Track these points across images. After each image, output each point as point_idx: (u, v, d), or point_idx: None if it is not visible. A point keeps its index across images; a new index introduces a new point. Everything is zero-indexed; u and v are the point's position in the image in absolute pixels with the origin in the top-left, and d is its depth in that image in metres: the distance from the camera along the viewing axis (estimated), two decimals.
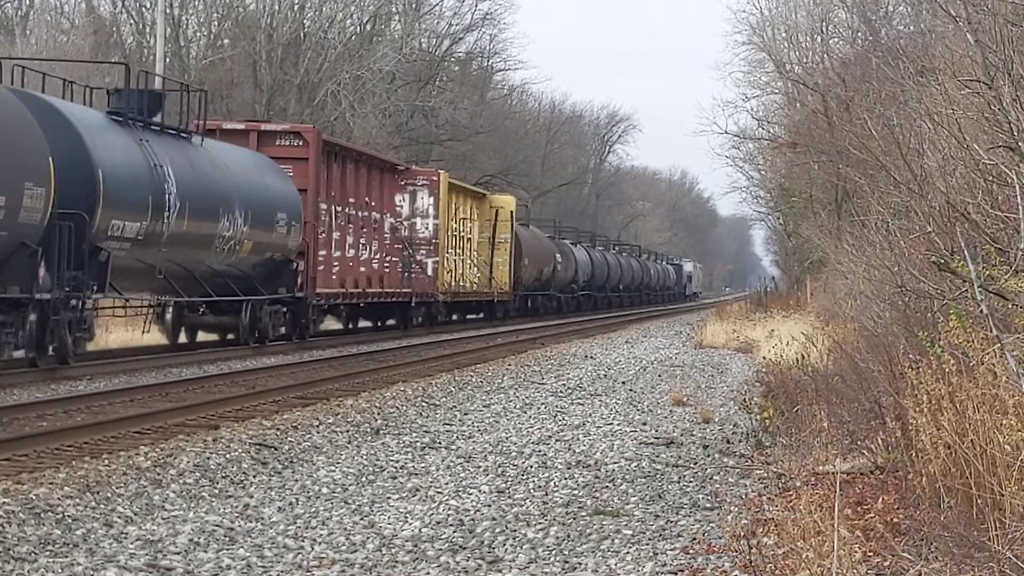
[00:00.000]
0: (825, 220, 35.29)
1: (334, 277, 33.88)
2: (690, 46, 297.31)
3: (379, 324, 40.70)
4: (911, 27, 36.29)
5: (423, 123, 68.46)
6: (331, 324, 38.75)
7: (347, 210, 34.99)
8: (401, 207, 40.80)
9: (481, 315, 51.13)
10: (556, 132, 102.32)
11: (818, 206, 42.54)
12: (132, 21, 60.86)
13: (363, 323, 40.15)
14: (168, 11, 55.06)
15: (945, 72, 13.96)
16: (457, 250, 45.90)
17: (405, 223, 41.01)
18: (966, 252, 9.61)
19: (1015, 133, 10.92)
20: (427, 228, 41.72)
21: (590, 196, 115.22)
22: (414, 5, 68.06)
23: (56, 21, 57.26)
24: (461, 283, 45.86)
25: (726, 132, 53.39)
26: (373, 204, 37.42)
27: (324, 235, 32.99)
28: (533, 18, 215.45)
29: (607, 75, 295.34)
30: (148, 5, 58.88)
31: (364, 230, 36.50)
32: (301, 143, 32.35)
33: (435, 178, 42.67)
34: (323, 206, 32.94)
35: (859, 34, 44.64)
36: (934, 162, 14.02)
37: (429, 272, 41.44)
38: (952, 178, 13.10)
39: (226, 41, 60.86)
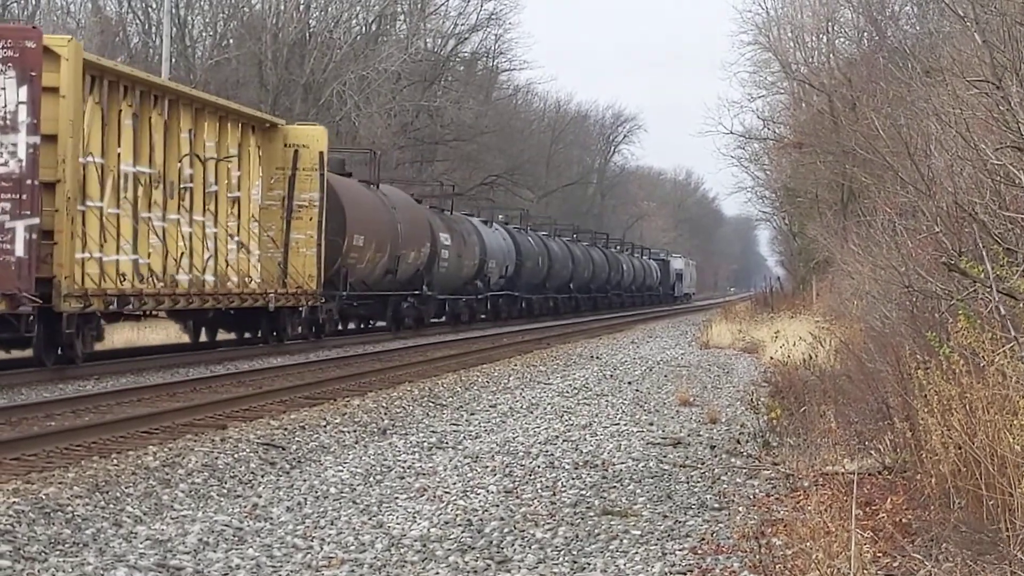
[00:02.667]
0: (831, 220, 35.24)
1: None
2: (696, 46, 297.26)
3: None
4: (918, 27, 36.30)
5: (428, 123, 68.48)
6: None
7: None
8: None
9: (251, 335, 30.49)
10: (561, 132, 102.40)
11: (824, 206, 42.50)
12: (138, 21, 60.92)
13: None
14: (174, 11, 55.10)
15: (952, 72, 13.97)
16: (185, 210, 25.32)
17: None
18: (984, 252, 9.61)
19: (1023, 133, 10.92)
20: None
21: (595, 196, 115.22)
22: (419, 5, 68.05)
23: (62, 21, 57.27)
24: (200, 274, 25.84)
25: (732, 132, 53.49)
26: None
27: None
28: (538, 18, 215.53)
29: (612, 75, 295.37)
30: (154, 5, 58.90)
31: None
32: None
33: (30, 43, 19.63)
34: None
35: (865, 34, 44.64)
36: (941, 162, 14.01)
37: (17, 248, 19.42)
38: (960, 178, 13.09)
39: (231, 41, 60.87)
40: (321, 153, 30.28)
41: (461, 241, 45.85)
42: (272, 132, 29.83)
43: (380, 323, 39.95)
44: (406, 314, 39.49)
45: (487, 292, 49.82)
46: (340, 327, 36.92)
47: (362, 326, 40.22)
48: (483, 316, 50.83)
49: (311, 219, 30.02)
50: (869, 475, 11.16)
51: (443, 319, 45.56)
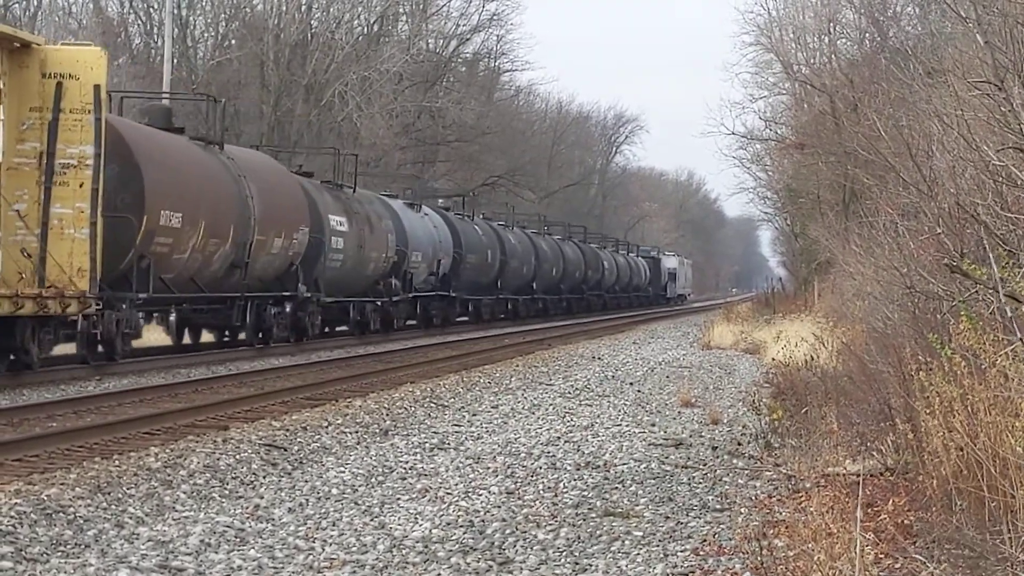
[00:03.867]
0: (833, 221, 35.23)
1: None
2: (697, 47, 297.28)
3: None
4: (919, 28, 36.30)
5: (430, 124, 68.51)
6: None
7: None
8: None
9: None
10: (563, 133, 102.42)
11: (826, 207, 42.49)
12: (140, 22, 60.96)
13: None
14: (176, 12, 55.11)
15: (954, 73, 13.96)
16: None
17: None
18: (990, 254, 9.60)
19: None
20: None
21: (597, 197, 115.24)
22: (421, 6, 68.08)
23: (64, 21, 57.32)
24: None
25: (733, 133, 53.46)
26: None
27: None
28: (540, 19, 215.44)
29: (614, 76, 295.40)
30: (156, 6, 58.93)
31: None
32: None
33: None
34: None
35: (867, 35, 44.63)
36: (943, 163, 14.01)
37: None
38: (961, 179, 13.09)
39: (233, 42, 60.91)
40: (97, 87, 20.32)
41: (366, 227, 35.76)
42: (23, 56, 20.13)
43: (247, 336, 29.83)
44: (276, 323, 29.97)
45: (408, 294, 40.18)
46: (166, 343, 28.69)
47: (193, 342, 30.08)
48: (411, 322, 42.40)
49: (82, 185, 20.18)
50: (871, 476, 11.15)
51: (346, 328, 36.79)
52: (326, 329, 35.75)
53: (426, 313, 43.70)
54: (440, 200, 50.55)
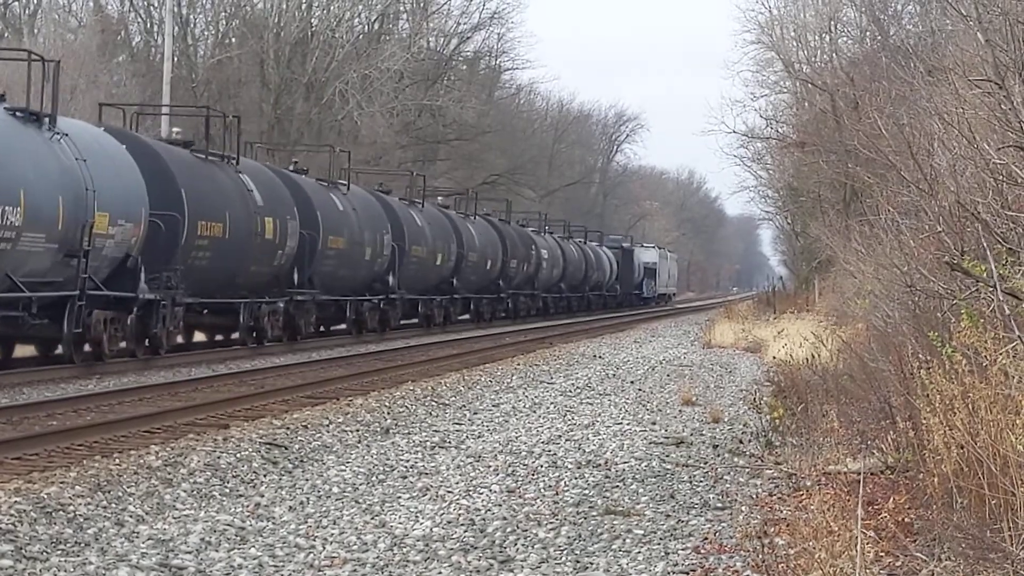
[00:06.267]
0: (833, 219, 35.23)
1: None
2: (698, 45, 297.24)
3: None
4: (920, 26, 36.30)
5: (430, 122, 68.50)
6: None
7: None
8: None
9: None
10: (564, 131, 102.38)
11: (826, 205, 42.51)
12: (140, 20, 60.96)
13: None
14: (176, 10, 55.10)
15: (955, 71, 13.96)
16: None
17: None
18: (988, 252, 9.60)
19: None
20: None
21: (597, 196, 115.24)
22: (422, 4, 68.07)
23: (64, 20, 57.30)
24: None
25: (734, 131, 53.38)
26: None
27: None
28: (541, 17, 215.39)
29: (615, 74, 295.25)
30: (156, 4, 58.92)
31: None
32: None
33: None
34: None
35: (868, 33, 44.66)
36: (944, 161, 14.01)
37: None
38: (962, 178, 13.09)
39: (233, 40, 60.91)
40: None
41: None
42: None
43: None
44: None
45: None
46: None
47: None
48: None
49: None
50: (872, 474, 11.15)
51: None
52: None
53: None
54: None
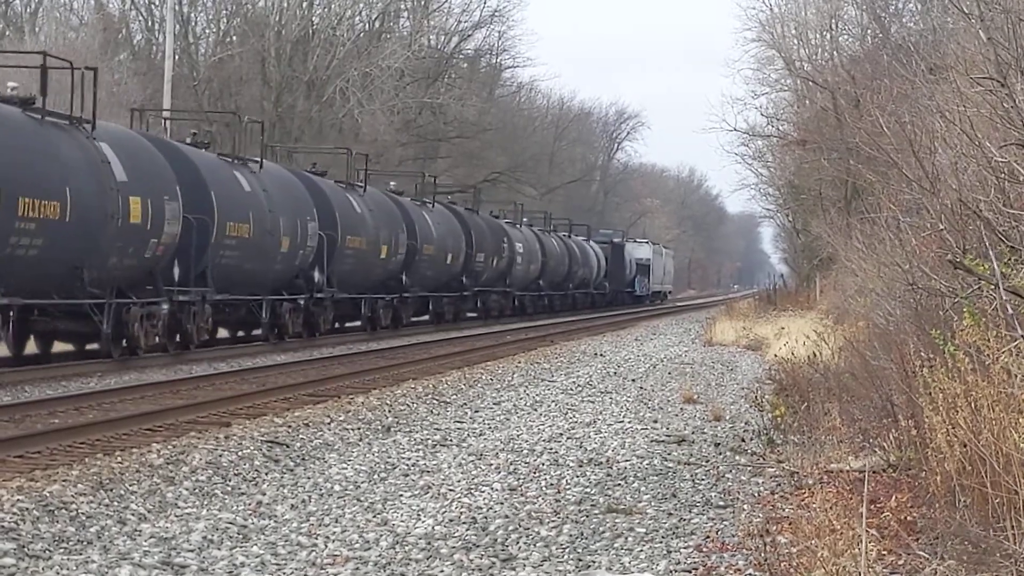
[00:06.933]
0: (835, 217, 35.23)
1: None
2: (699, 43, 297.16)
3: None
4: (921, 24, 36.29)
5: (431, 120, 68.52)
6: None
7: None
8: None
9: None
10: (564, 129, 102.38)
11: (827, 203, 42.51)
12: (141, 18, 60.99)
13: None
14: (177, 8, 55.09)
15: (957, 69, 13.94)
16: None
17: None
18: (990, 250, 9.59)
19: None
20: None
21: (598, 193, 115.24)
22: (423, 2, 68.11)
23: (65, 18, 57.32)
24: None
25: (735, 129, 53.55)
26: None
27: None
28: (541, 15, 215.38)
29: (615, 72, 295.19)
30: (157, 2, 58.95)
31: None
32: None
33: None
34: None
35: (869, 31, 44.66)
36: (946, 159, 14.00)
37: None
38: (964, 175, 13.08)
39: (235, 38, 60.93)
40: None
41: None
42: None
43: None
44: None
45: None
46: None
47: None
48: (424, 318, 40.99)
49: None
50: (874, 473, 11.15)
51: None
52: (336, 325, 35.57)
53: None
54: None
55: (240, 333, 31.33)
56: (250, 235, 27.86)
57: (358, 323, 36.56)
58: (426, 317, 42.90)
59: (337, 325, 36.26)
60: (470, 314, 47.06)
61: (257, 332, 30.57)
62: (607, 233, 79.92)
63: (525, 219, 58.41)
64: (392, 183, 43.19)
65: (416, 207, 40.91)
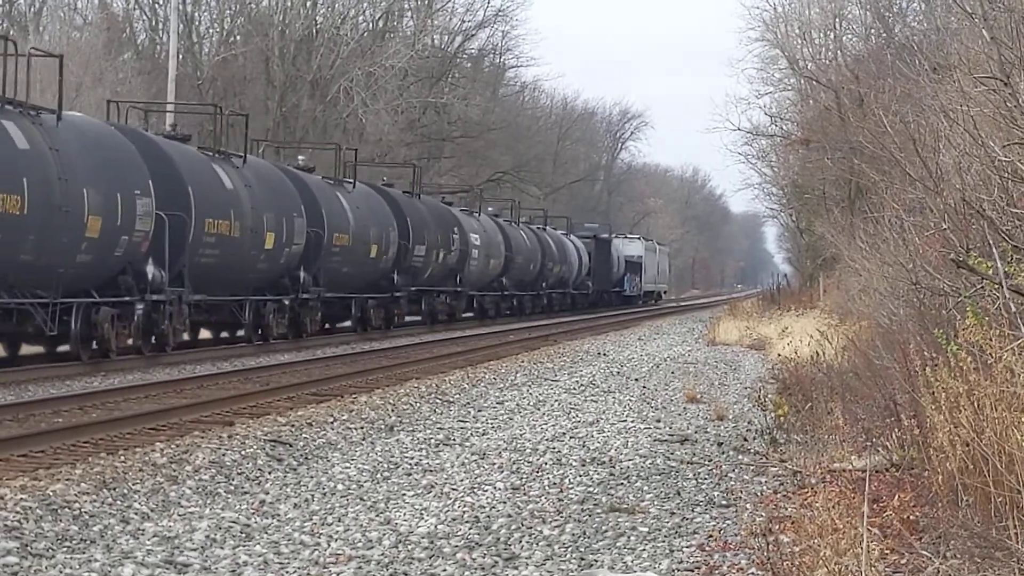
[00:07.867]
0: (838, 217, 35.21)
1: None
2: (702, 43, 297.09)
3: None
4: (925, 23, 36.24)
5: (435, 120, 68.52)
6: None
7: None
8: None
9: None
10: (568, 129, 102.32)
11: (831, 203, 42.47)
12: (145, 17, 61.00)
13: None
14: (181, 7, 55.12)
15: (960, 68, 13.93)
16: None
17: None
18: (994, 249, 9.58)
19: None
20: None
21: (602, 193, 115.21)
22: (426, 1, 68.09)
23: (69, 17, 57.34)
24: None
25: (739, 129, 53.37)
26: None
27: None
28: (545, 15, 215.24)
29: (619, 72, 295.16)
30: (161, 1, 59.01)
31: None
32: None
33: None
34: None
35: (873, 30, 44.62)
36: (949, 159, 13.98)
37: None
38: (967, 175, 13.06)
39: (238, 38, 60.94)
40: None
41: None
42: None
43: None
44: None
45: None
46: None
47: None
48: (417, 318, 39.11)
49: None
50: (877, 472, 11.14)
51: None
52: (326, 326, 34.63)
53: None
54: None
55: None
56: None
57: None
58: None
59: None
60: (411, 318, 40.61)
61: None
62: (592, 227, 73.00)
63: (490, 208, 53.06)
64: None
65: (329, 186, 34.31)
